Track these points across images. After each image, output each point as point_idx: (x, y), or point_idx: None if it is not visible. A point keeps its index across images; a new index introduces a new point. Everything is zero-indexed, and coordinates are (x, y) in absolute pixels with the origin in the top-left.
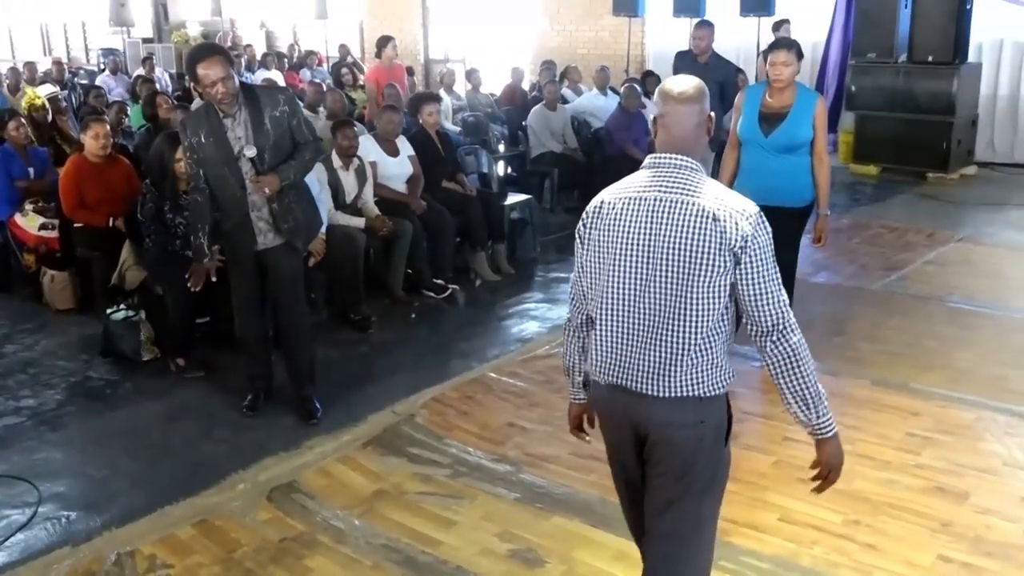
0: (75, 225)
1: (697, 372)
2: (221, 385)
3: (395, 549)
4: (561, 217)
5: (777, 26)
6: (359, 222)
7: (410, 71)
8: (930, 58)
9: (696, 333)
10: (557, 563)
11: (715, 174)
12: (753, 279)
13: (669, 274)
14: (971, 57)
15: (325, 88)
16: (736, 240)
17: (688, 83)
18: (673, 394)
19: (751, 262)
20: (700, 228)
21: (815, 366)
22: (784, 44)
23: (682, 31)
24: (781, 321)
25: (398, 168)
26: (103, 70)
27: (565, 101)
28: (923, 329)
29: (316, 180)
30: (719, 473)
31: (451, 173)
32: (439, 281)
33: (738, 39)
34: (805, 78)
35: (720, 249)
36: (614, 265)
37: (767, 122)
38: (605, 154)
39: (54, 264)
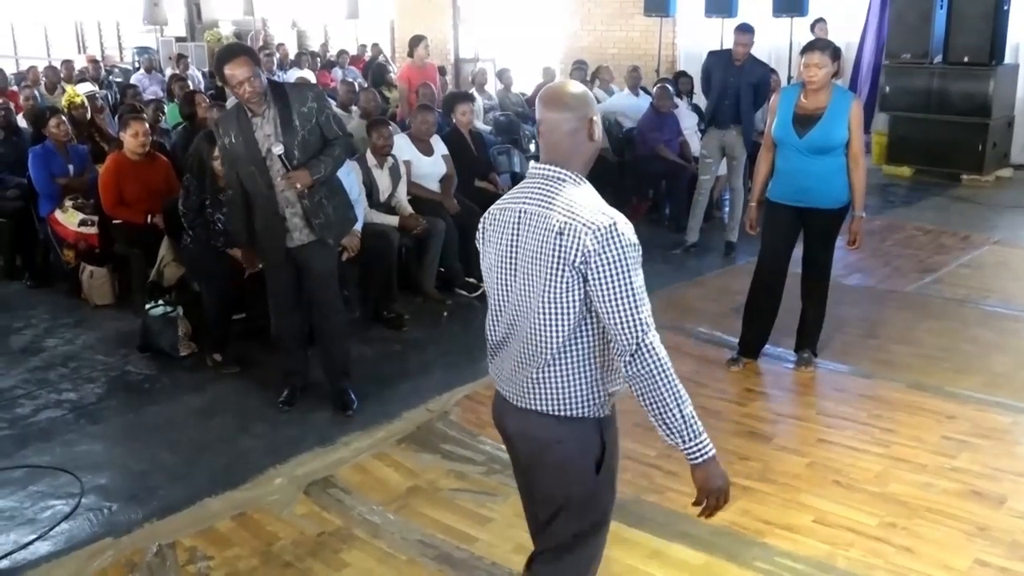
0: (114, 222)
1: (550, 389)
2: (257, 381)
3: (430, 545)
4: None
5: (813, 26)
6: (393, 220)
7: (442, 70)
8: (966, 59)
9: (547, 349)
10: None
11: (749, 175)
12: (602, 296)
13: (524, 287)
14: (1007, 58)
15: (357, 87)
16: (575, 255)
17: (562, 88)
18: (527, 406)
19: (598, 279)
20: (545, 242)
21: (679, 389)
22: (818, 46)
23: (713, 31)
24: (636, 341)
25: (432, 167)
26: (137, 68)
27: (596, 101)
28: (958, 332)
29: (355, 180)
30: (592, 502)
31: (484, 172)
32: (471, 279)
33: (771, 39)
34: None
35: (560, 264)
36: (488, 275)
37: (801, 123)
38: (636, 154)
39: (93, 260)
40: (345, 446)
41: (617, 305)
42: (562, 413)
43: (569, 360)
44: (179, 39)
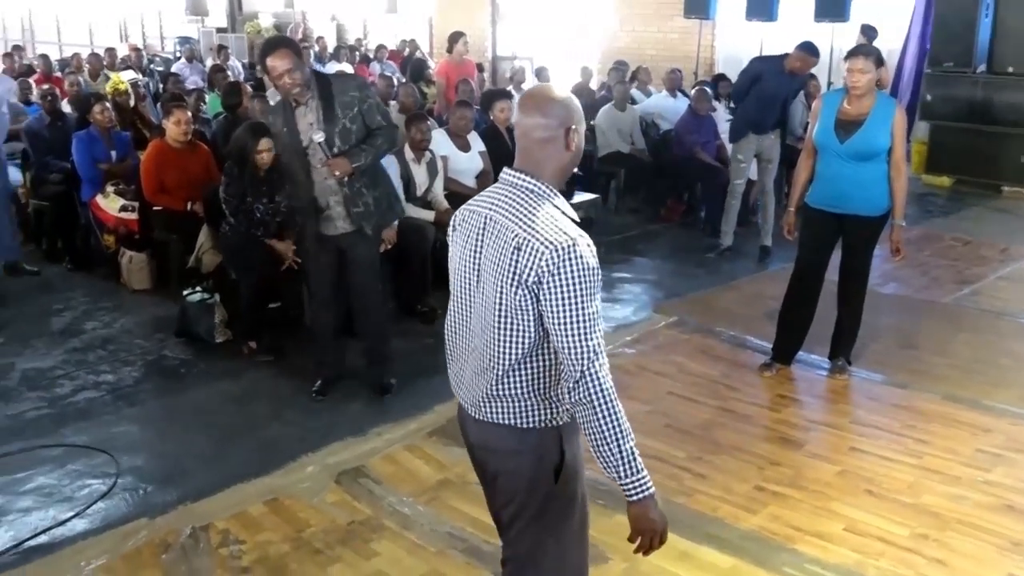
0: (154, 208)
1: (507, 401)
2: (290, 369)
3: (459, 537)
4: (625, 218)
5: (864, 30)
6: (428, 215)
7: (480, 67)
8: (1011, 69)
9: (504, 361)
10: (619, 560)
11: (783, 181)
12: (552, 319)
13: (484, 297)
14: None
15: (396, 82)
16: (529, 274)
17: (542, 92)
18: (487, 418)
19: (549, 299)
20: (503, 255)
21: (620, 422)
22: (862, 51)
23: (753, 34)
24: (581, 368)
25: (469, 163)
26: (179, 58)
27: (634, 102)
28: (995, 345)
29: (393, 174)
30: (554, 510)
31: None
32: None
33: None
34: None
35: (515, 281)
36: (453, 276)
37: (844, 129)
38: (673, 156)
39: (133, 245)
40: (377, 437)
41: (566, 329)
42: (520, 425)
43: (524, 376)
44: (220, 30)
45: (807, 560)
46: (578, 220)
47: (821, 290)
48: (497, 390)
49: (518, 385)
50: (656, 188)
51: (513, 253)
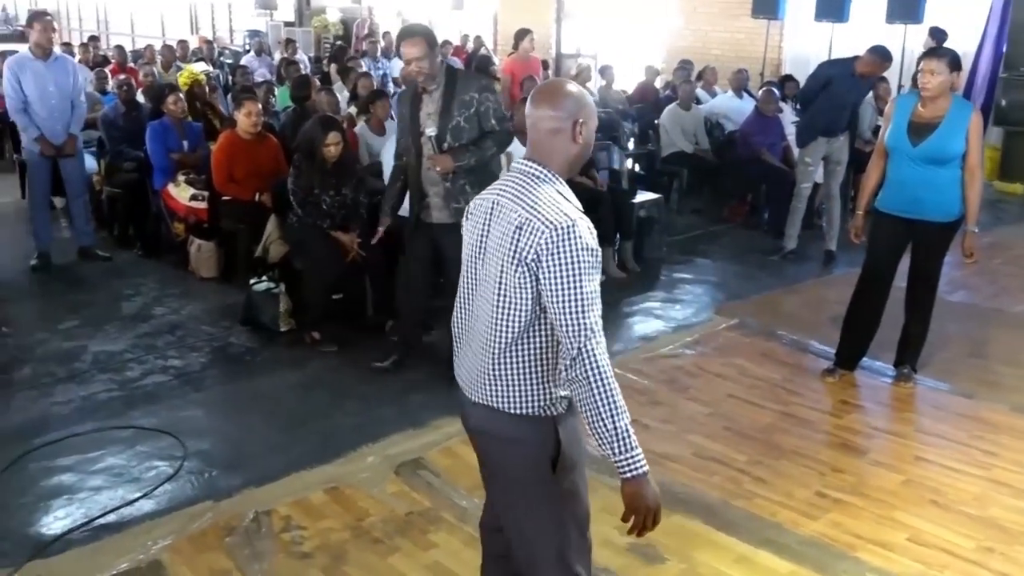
0: (223, 198)
1: (503, 383)
2: (352, 360)
3: None
4: (687, 218)
5: (932, 33)
6: None
7: (545, 65)
8: None
9: (499, 342)
10: (677, 561)
11: (849, 185)
12: (550, 297)
13: (486, 279)
14: None
15: None
16: (529, 252)
17: (553, 86)
18: (481, 400)
19: (547, 278)
20: (505, 235)
21: (615, 400)
22: (937, 53)
23: (822, 35)
24: (578, 345)
25: None
26: (247, 51)
27: (699, 102)
28: None
29: None
30: (551, 501)
31: (584, 167)
32: None
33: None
34: None
35: (515, 259)
36: (463, 264)
37: (917, 132)
38: (737, 157)
39: (201, 234)
40: (436, 430)
41: (564, 307)
42: (515, 411)
43: (520, 356)
44: (287, 24)
45: (869, 569)
46: (581, 209)
47: (888, 295)
48: (494, 370)
49: (514, 365)
50: (719, 189)
51: (515, 232)
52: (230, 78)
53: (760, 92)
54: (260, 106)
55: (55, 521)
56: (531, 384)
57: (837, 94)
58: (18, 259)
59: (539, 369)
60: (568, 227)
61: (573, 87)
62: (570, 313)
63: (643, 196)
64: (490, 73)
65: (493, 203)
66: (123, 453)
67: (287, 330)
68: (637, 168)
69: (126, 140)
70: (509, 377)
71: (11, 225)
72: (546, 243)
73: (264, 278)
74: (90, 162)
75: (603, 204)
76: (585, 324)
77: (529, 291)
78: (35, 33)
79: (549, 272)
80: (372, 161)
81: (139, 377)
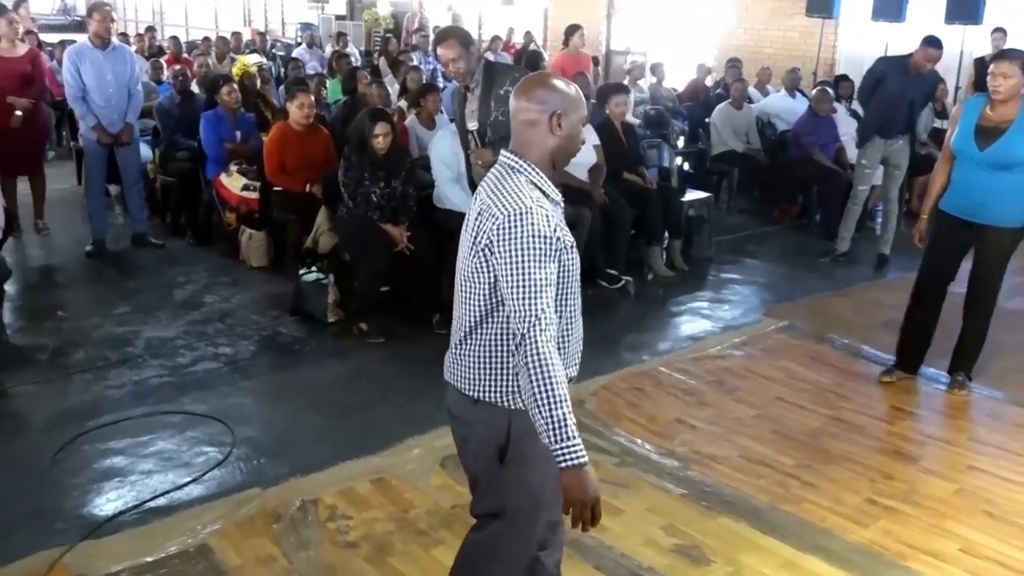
0: (274, 188)
1: (466, 368)
2: (399, 352)
3: None
4: (736, 218)
5: (993, 35)
6: None
7: (595, 61)
8: None
9: (464, 327)
10: (722, 564)
11: (904, 188)
12: (502, 280)
13: (460, 266)
14: None
15: None
16: (483, 238)
17: (534, 78)
18: (452, 382)
19: (498, 262)
20: (469, 224)
21: (554, 388)
22: (1009, 55)
23: (879, 36)
24: (522, 331)
25: (582, 156)
26: (299, 43)
27: (751, 101)
28: None
29: None
30: (496, 490)
31: (633, 165)
32: (613, 272)
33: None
34: None
35: (473, 246)
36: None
37: (984, 136)
38: (789, 157)
39: (252, 223)
40: None
41: (512, 292)
42: (472, 394)
43: (479, 342)
44: (339, 17)
45: None
46: (559, 200)
47: (945, 299)
48: (457, 352)
49: (474, 350)
50: (770, 189)
51: (477, 218)
52: (282, 70)
53: (814, 91)
54: (312, 98)
55: (107, 503)
56: (488, 371)
57: (891, 92)
58: (74, 245)
59: (497, 357)
60: (520, 213)
61: (556, 81)
62: (518, 299)
63: (693, 195)
64: (539, 69)
65: (477, 193)
66: (173, 438)
67: (335, 321)
68: (687, 166)
69: (180, 129)
70: (469, 361)
71: (68, 211)
72: (498, 229)
73: (313, 269)
74: (145, 151)
75: (652, 202)
76: (531, 311)
77: (485, 277)
78: (94, 23)
79: (500, 258)
80: (422, 154)
81: (189, 363)
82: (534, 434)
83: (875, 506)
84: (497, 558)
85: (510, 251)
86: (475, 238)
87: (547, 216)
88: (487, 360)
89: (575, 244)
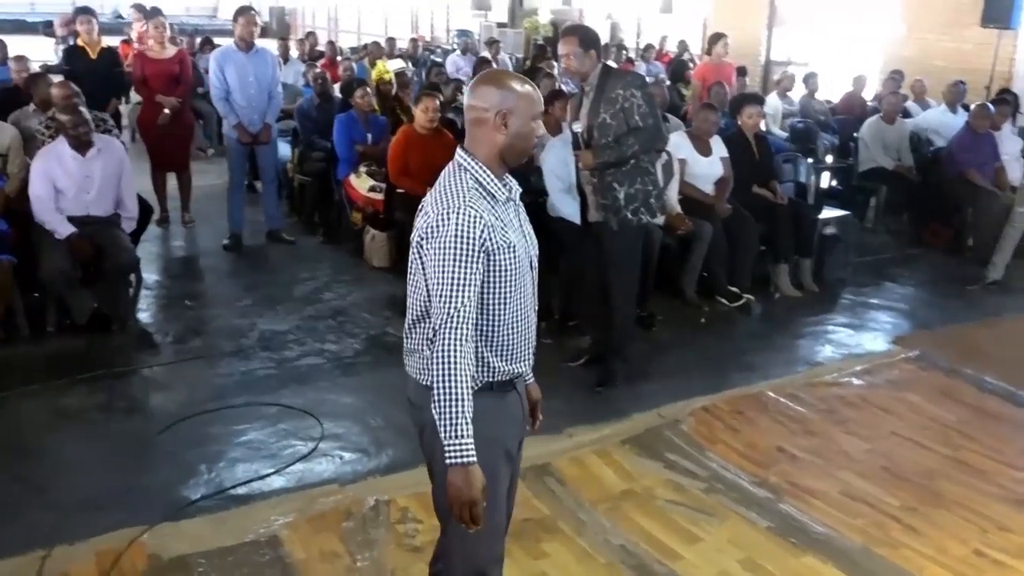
0: (398, 190)
1: (413, 355)
2: None
3: (631, 553)
4: (882, 238)
5: None
6: (659, 218)
7: (742, 71)
8: None
9: (413, 316)
10: None
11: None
12: (428, 276)
13: (410, 258)
14: None
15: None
16: (416, 234)
17: (485, 76)
18: (406, 366)
19: (426, 258)
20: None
21: (454, 387)
22: None
23: None
24: (435, 327)
25: (708, 168)
26: (454, 50)
27: (908, 115)
28: None
29: None
30: (443, 483)
31: (764, 179)
32: (734, 289)
33: None
34: None
35: (413, 242)
36: None
37: None
38: (942, 176)
39: (377, 224)
40: (568, 437)
41: (433, 288)
42: (425, 382)
43: (425, 331)
44: (500, 25)
45: None
46: (510, 197)
47: None
48: (408, 341)
49: (419, 340)
50: (921, 209)
51: (416, 217)
52: (425, 75)
53: (973, 107)
54: (438, 103)
55: (192, 487)
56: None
57: None
58: (215, 238)
59: None
60: (447, 213)
61: (507, 80)
62: (436, 295)
63: (829, 212)
64: (684, 78)
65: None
66: (266, 429)
67: None
68: (834, 183)
69: (318, 131)
70: (413, 350)
71: (219, 206)
72: (427, 227)
73: None
74: (285, 150)
75: (781, 218)
76: (445, 309)
77: (422, 272)
78: (239, 27)
79: (427, 254)
80: None
81: (296, 357)
82: (480, 421)
83: (983, 558)
84: (449, 553)
85: (434, 249)
86: (413, 236)
87: (475, 217)
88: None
89: (514, 245)
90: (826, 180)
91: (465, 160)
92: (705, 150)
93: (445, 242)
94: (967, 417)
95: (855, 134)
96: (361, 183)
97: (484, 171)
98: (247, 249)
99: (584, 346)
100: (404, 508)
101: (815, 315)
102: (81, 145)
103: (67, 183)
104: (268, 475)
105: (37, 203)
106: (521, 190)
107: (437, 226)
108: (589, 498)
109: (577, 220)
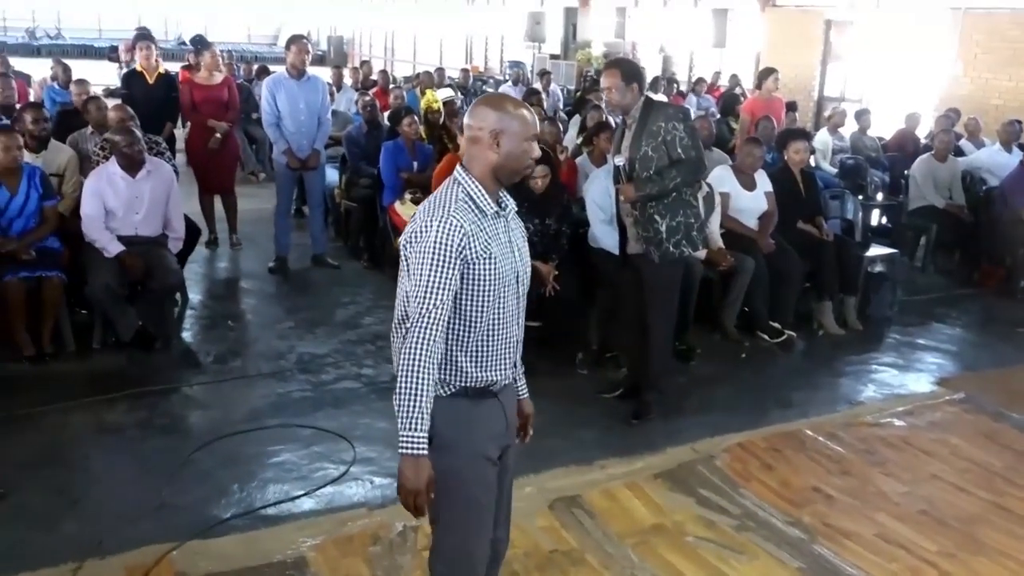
0: None
1: (397, 353)
2: (536, 388)
3: None
4: (932, 278)
5: None
6: (700, 252)
7: (791, 106)
8: None
9: (398, 315)
10: None
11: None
12: (410, 277)
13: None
14: None
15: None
16: (405, 238)
17: (482, 99)
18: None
19: (410, 261)
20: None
21: (416, 381)
22: None
23: None
24: (408, 325)
25: (752, 202)
26: (506, 80)
27: (961, 153)
28: None
29: None
30: (439, 479)
31: (809, 215)
32: (776, 325)
33: None
34: None
35: (400, 246)
36: None
37: None
38: (995, 215)
39: None
40: (600, 469)
41: (412, 288)
42: None
43: (403, 331)
44: (553, 56)
45: None
46: (501, 213)
47: None
48: (394, 341)
49: (400, 340)
50: (972, 249)
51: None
52: None
53: None
54: None
55: (223, 506)
56: None
57: None
58: (261, 260)
59: None
60: (430, 220)
61: (504, 102)
62: (414, 295)
63: (877, 250)
64: (734, 112)
65: None
66: (298, 451)
67: None
68: (884, 221)
69: (365, 158)
70: (399, 346)
71: (267, 229)
72: (413, 233)
73: None
74: (333, 176)
75: (825, 254)
76: (418, 308)
77: (407, 275)
78: (291, 55)
79: (410, 257)
80: None
81: (332, 380)
82: (453, 423)
83: None
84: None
85: (416, 252)
86: (402, 239)
87: (455, 226)
88: None
89: (495, 257)
90: (876, 217)
91: (461, 175)
92: (749, 184)
93: (425, 247)
94: (1012, 462)
95: (906, 171)
96: (406, 210)
97: (476, 186)
98: (292, 272)
99: (620, 378)
100: (430, 534)
101: (858, 354)
102: (132, 166)
103: (116, 203)
104: (298, 497)
105: (87, 221)
106: (516, 208)
107: (421, 231)
108: (618, 531)
109: (617, 251)
